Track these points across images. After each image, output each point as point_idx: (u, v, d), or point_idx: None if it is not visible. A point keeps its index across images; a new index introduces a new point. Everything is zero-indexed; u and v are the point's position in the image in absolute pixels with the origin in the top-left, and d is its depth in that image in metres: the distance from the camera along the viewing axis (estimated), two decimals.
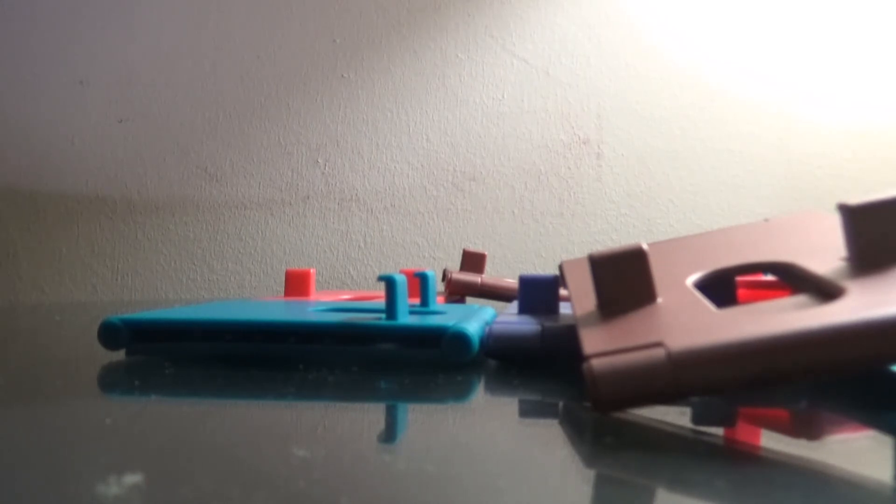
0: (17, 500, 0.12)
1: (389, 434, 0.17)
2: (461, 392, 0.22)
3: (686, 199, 0.79)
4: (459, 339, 0.24)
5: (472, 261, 0.51)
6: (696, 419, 0.18)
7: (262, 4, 0.79)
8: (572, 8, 0.80)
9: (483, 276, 0.50)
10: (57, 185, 0.78)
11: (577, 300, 0.24)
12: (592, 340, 0.18)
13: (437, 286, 0.59)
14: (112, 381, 0.24)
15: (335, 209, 0.79)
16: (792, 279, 0.24)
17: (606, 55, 0.79)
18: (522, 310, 0.31)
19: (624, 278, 0.21)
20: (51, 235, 0.78)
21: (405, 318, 0.26)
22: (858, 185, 0.78)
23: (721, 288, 0.25)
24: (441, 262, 0.78)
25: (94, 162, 0.78)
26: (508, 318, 0.28)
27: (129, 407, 0.20)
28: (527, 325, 0.26)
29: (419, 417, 0.19)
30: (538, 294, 0.30)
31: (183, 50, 0.79)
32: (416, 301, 0.32)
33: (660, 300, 0.21)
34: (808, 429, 0.18)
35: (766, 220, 0.30)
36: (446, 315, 0.28)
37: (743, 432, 0.18)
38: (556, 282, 0.31)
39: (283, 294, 0.52)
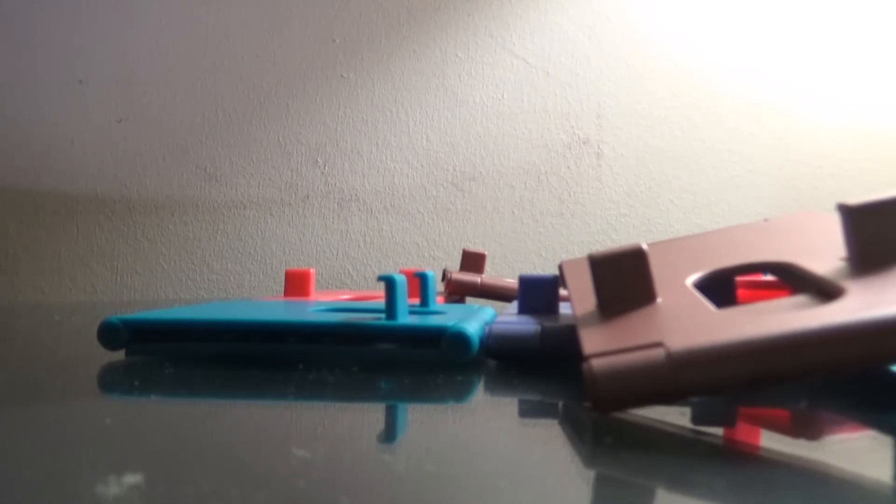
0: (17, 500, 0.12)
1: (389, 434, 0.17)
2: (461, 392, 0.22)
3: (686, 199, 0.79)
4: (459, 339, 0.24)
5: (472, 261, 0.51)
6: (696, 419, 0.18)
7: (261, 4, 0.79)
8: (572, 8, 0.80)
9: (483, 276, 0.50)
10: (56, 184, 0.78)
11: (577, 300, 0.24)
12: (592, 340, 0.18)
13: (437, 286, 0.59)
14: (112, 381, 0.24)
15: (335, 209, 0.79)
16: (792, 279, 0.24)
17: (606, 55, 0.79)
18: (522, 310, 0.30)
19: (624, 278, 0.21)
20: (50, 235, 0.78)
21: (405, 318, 0.26)
22: (858, 185, 0.78)
23: (721, 288, 0.25)
24: (441, 262, 0.78)
25: (94, 162, 0.78)
26: (508, 318, 0.28)
27: (129, 407, 0.20)
28: (527, 325, 0.26)
29: (419, 417, 0.19)
30: (538, 294, 0.30)
31: (182, 50, 0.79)
32: (416, 301, 0.32)
33: (659, 300, 0.21)
34: (808, 429, 0.18)
35: (766, 220, 0.30)
36: (446, 315, 0.28)
37: (743, 432, 0.18)
38: (556, 282, 0.31)
39: (282, 294, 0.52)
